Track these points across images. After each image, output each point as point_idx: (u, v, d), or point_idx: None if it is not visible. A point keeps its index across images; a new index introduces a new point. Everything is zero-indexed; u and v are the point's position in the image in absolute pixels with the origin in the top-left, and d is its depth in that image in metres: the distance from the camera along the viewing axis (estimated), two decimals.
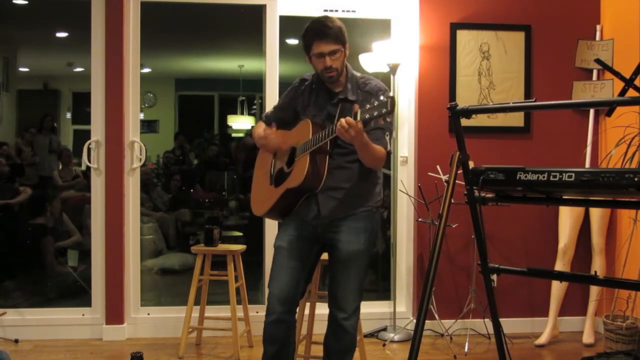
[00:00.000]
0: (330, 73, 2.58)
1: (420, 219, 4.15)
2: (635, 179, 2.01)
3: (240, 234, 6.25)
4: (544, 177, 2.23)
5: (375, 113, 2.22)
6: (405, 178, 4.32)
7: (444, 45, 4.28)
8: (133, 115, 4.22)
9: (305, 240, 2.68)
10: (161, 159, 7.36)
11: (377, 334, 4.23)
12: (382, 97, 2.23)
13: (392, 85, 4.20)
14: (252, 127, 8.25)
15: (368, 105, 2.26)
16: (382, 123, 2.24)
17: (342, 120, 2.30)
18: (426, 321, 2.47)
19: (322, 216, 2.63)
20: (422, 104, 4.28)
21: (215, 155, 7.53)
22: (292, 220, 2.71)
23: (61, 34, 6.69)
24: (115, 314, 4.11)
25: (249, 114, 8.64)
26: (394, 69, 4.13)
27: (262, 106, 4.75)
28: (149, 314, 4.25)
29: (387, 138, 2.55)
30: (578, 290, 4.31)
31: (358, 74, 2.69)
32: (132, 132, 4.22)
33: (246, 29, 5.37)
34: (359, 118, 2.27)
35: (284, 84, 4.18)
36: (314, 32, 2.56)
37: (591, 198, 2.46)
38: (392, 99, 2.21)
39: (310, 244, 2.69)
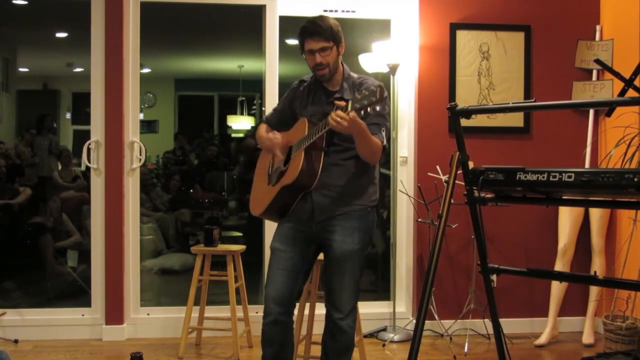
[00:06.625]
0: (321, 70, 2.61)
1: (420, 219, 4.15)
2: (635, 179, 2.01)
3: (240, 234, 6.24)
4: (543, 177, 2.23)
5: (366, 102, 2.26)
6: (405, 178, 4.32)
7: (444, 45, 4.28)
8: (133, 115, 4.22)
9: (301, 241, 2.69)
10: (161, 159, 7.35)
11: (376, 334, 4.22)
12: (372, 87, 2.26)
13: (391, 86, 4.21)
14: (253, 127, 8.27)
15: (358, 95, 2.29)
16: (377, 110, 2.28)
17: (332, 113, 2.34)
18: (426, 321, 2.48)
19: (316, 214, 2.63)
20: (422, 104, 4.28)
21: (215, 156, 7.52)
22: (288, 221, 2.72)
23: (61, 34, 6.67)
24: (115, 314, 4.11)
25: (249, 114, 8.64)
26: (393, 69, 4.13)
27: (261, 106, 4.75)
28: (148, 314, 4.25)
29: (383, 133, 2.59)
30: (578, 290, 4.31)
31: (355, 75, 2.72)
32: (131, 132, 4.22)
33: (246, 29, 5.37)
34: (350, 108, 2.30)
35: (283, 84, 4.18)
36: (304, 30, 2.62)
37: (591, 198, 2.46)
38: (381, 87, 2.25)
39: (307, 244, 2.70)
